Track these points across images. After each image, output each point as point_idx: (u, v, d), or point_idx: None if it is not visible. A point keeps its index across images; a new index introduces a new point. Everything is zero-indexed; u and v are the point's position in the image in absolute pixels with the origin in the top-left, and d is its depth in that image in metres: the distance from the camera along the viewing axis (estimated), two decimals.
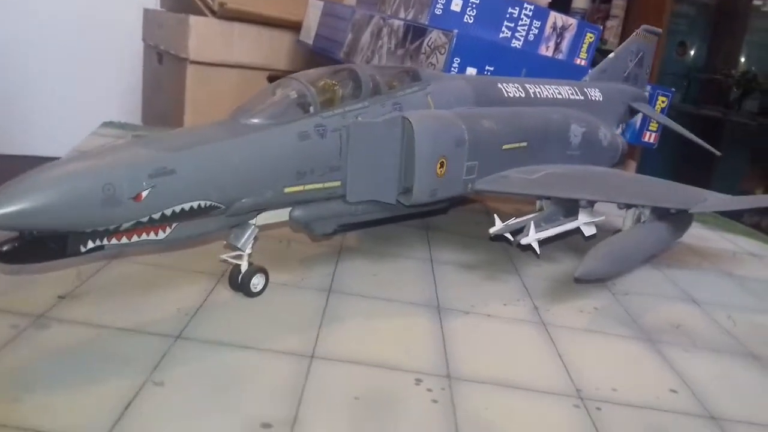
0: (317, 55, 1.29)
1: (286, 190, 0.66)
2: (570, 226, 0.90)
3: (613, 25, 2.00)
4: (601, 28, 1.36)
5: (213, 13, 1.25)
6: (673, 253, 1.12)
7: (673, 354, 0.71)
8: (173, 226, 0.60)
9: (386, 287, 0.80)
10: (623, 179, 1.02)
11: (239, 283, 0.71)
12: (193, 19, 1.22)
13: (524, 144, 0.91)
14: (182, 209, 0.57)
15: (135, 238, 0.58)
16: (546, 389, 0.59)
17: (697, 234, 1.28)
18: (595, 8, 2.02)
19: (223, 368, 0.56)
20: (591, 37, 1.25)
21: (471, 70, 1.03)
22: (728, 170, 1.43)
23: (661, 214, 0.92)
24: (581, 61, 1.25)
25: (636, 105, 1.33)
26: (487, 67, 1.05)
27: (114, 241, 0.56)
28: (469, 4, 1.07)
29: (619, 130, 1.34)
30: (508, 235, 0.86)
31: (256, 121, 0.65)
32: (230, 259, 0.71)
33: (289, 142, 0.65)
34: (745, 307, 0.90)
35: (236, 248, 0.70)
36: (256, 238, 0.70)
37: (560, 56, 1.22)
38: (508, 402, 0.57)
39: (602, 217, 0.94)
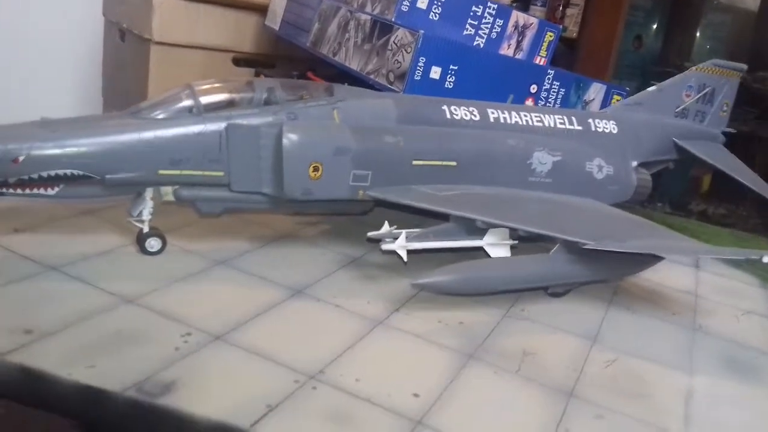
0: (284, 40, 1.49)
1: (160, 171, 0.93)
2: (467, 244, 1.03)
3: (574, 13, 2.16)
4: (561, 27, 1.43)
5: None
6: (663, 299, 1.15)
7: (476, 372, 0.81)
8: (60, 186, 0.90)
9: (277, 269, 1.01)
10: (561, 208, 1.10)
11: (139, 243, 1.00)
12: (158, 0, 1.43)
13: (453, 163, 1.07)
14: (56, 174, 0.87)
15: (27, 191, 0.89)
16: (289, 364, 0.75)
17: (731, 288, 1.27)
18: None
19: (51, 293, 0.84)
20: (551, 36, 1.34)
21: (436, 69, 1.18)
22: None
23: (572, 247, 0.98)
24: (541, 59, 1.35)
25: (683, 142, 1.40)
26: (451, 66, 1.19)
27: (11, 191, 0.88)
28: (435, 2, 1.22)
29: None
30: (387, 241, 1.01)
31: (141, 114, 0.93)
32: (134, 222, 1.00)
33: (161, 134, 0.92)
34: (653, 359, 0.92)
35: (131, 215, 0.99)
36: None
37: (521, 54, 1.33)
38: (240, 365, 0.74)
39: (514, 242, 1.03)
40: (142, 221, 0.99)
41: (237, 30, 1.57)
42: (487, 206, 1.02)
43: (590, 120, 1.26)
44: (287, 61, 1.61)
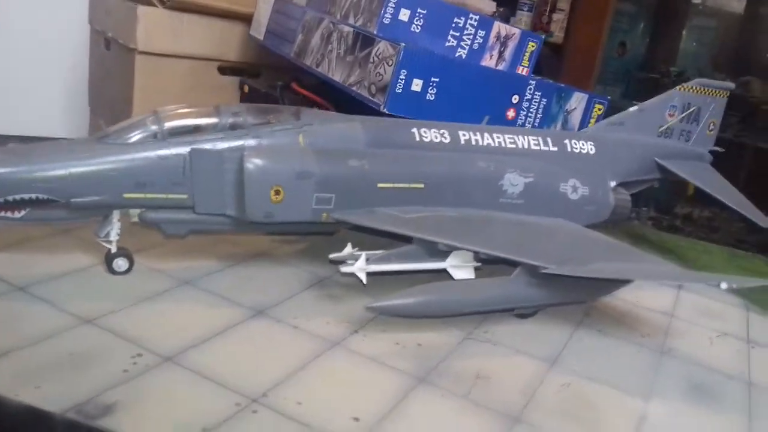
0: (268, 50, 1.52)
1: (125, 195, 0.97)
2: (429, 266, 1.05)
3: (560, 18, 2.21)
4: (546, 33, 1.46)
5: (162, 2, 1.49)
6: (636, 320, 1.16)
7: (423, 396, 0.83)
8: (26, 210, 0.94)
9: (242, 289, 1.04)
10: (528, 229, 1.12)
11: (107, 263, 1.04)
12: (142, 10, 1.46)
13: (420, 185, 1.10)
14: (22, 198, 0.92)
15: None
16: (234, 387, 0.78)
17: (712, 309, 1.27)
18: (542, 0, 2.23)
19: (13, 313, 0.89)
20: (533, 46, 1.38)
21: (418, 81, 1.22)
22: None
23: (533, 271, 1.00)
24: (524, 69, 1.38)
25: (665, 162, 1.43)
26: (432, 79, 1.22)
27: None
28: (417, 14, 1.25)
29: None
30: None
31: (106, 139, 0.98)
32: (102, 242, 1.04)
33: (126, 159, 0.96)
34: (611, 382, 0.94)
35: (98, 236, 1.03)
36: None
37: (504, 64, 1.37)
38: (185, 387, 0.78)
39: (477, 264, 1.06)
40: (109, 242, 1.04)
41: (222, 39, 1.61)
42: (451, 228, 1.04)
43: (566, 140, 1.29)
44: (272, 70, 1.64)
